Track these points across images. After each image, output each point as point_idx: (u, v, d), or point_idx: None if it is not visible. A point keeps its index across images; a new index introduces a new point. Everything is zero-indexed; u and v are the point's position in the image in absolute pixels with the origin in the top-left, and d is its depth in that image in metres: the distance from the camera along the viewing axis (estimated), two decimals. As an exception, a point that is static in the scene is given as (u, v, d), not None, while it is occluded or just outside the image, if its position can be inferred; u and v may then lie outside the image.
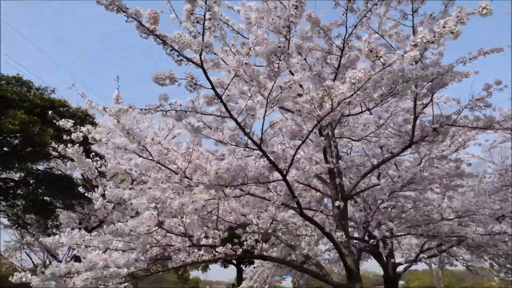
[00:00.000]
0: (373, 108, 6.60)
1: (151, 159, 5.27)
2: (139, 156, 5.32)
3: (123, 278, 4.86)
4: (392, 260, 11.64)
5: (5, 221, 16.19)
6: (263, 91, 3.75)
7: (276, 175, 4.70)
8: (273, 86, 3.73)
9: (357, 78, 3.17)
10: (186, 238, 4.84)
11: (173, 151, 5.07)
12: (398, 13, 5.90)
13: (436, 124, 6.70)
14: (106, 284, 4.55)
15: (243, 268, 23.72)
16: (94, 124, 12.41)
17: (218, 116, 4.21)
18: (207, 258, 5.44)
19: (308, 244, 6.86)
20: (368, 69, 3.24)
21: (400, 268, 11.74)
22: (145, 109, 4.12)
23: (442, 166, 9.16)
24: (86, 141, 12.17)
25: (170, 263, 5.51)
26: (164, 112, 4.09)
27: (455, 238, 9.24)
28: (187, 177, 5.24)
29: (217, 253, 5.42)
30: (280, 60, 3.49)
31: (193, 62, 3.66)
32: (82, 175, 15.11)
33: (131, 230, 4.05)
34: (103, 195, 13.05)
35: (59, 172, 12.80)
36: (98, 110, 5.08)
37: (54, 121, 11.09)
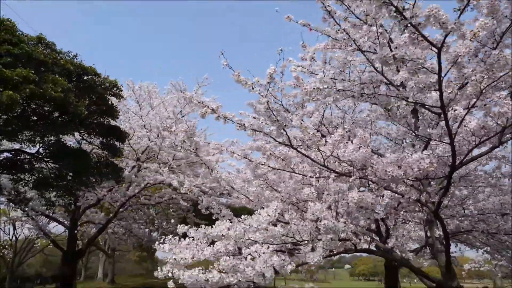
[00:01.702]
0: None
1: (287, 144, 4.86)
2: (274, 140, 4.90)
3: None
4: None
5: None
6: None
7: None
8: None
9: None
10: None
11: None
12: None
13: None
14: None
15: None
16: (119, 96, 11.45)
17: (418, 104, 3.87)
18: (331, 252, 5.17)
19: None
20: None
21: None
22: (343, 90, 3.70)
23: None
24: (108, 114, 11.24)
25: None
26: (366, 96, 3.70)
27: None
28: (325, 166, 4.92)
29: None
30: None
31: (430, 42, 3.29)
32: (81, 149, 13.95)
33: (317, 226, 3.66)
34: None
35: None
36: (244, 85, 4.53)
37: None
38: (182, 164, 15.54)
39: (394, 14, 3.14)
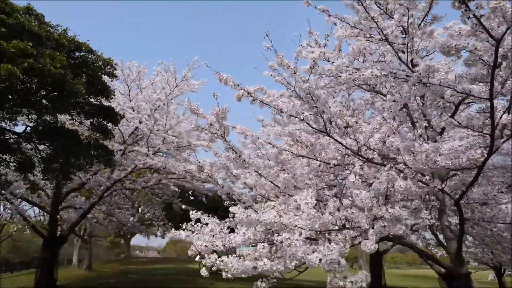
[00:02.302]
0: None
1: (323, 131, 4.80)
2: (309, 125, 4.81)
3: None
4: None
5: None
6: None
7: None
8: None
9: None
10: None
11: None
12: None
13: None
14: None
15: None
16: (111, 75, 10.91)
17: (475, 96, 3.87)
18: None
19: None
20: None
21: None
22: (398, 78, 3.65)
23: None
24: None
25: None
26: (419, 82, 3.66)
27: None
28: (358, 154, 4.90)
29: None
30: None
31: (490, 35, 3.30)
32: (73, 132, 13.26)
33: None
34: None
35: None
36: (287, 68, 4.38)
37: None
38: (172, 148, 15.18)
39: (458, 4, 3.11)
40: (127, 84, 14.05)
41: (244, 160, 5.33)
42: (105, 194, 16.20)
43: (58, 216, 15.40)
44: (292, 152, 5.76)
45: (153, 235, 28.35)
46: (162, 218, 18.17)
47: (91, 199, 17.77)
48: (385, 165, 4.78)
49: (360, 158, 4.87)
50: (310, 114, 4.61)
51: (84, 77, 8.83)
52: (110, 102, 10.99)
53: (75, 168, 9.84)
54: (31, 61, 6.99)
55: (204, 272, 4.56)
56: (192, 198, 20.62)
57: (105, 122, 11.32)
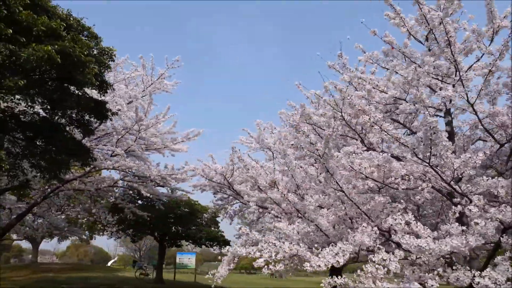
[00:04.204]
0: None
1: (425, 161, 5.07)
2: (416, 155, 5.04)
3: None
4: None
5: None
6: None
7: None
8: None
9: None
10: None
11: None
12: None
13: None
14: None
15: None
16: (107, 66, 9.70)
17: None
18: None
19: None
20: None
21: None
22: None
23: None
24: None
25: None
26: None
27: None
28: (449, 185, 5.28)
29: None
30: None
31: None
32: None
33: None
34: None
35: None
36: (421, 103, 4.50)
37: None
38: (141, 149, 14.00)
39: None
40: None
41: (336, 182, 5.31)
42: (51, 194, 14.17)
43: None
44: (365, 176, 5.90)
45: (76, 239, 25.58)
46: (114, 223, 16.51)
47: (22, 199, 15.45)
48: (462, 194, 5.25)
49: (449, 188, 5.26)
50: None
51: (96, 66, 7.68)
52: (104, 96, 9.73)
53: (66, 167, 8.43)
54: (66, 44, 5.88)
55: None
56: (140, 202, 19.22)
57: (87, 117, 9.99)
